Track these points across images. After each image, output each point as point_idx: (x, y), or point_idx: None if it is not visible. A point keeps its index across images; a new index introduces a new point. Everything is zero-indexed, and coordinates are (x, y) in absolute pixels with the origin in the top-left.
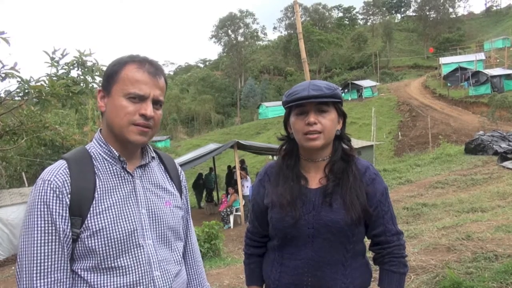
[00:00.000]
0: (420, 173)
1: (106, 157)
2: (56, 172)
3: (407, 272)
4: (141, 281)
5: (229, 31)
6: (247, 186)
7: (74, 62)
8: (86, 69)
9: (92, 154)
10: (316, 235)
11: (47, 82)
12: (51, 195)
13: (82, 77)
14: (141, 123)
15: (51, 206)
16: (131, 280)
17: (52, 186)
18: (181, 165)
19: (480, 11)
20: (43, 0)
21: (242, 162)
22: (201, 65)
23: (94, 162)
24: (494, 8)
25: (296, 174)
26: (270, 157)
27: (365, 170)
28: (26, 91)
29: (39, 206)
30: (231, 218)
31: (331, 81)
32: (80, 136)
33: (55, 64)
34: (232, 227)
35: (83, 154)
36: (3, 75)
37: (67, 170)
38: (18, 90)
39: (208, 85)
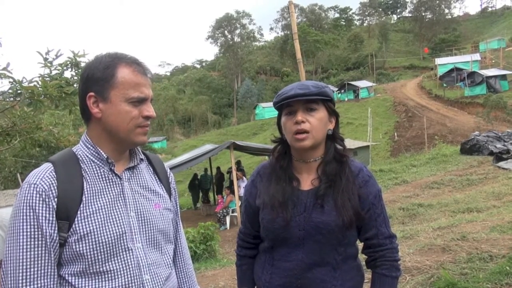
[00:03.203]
0: (416, 174)
1: (94, 159)
2: (42, 175)
3: (400, 275)
4: (130, 285)
5: (226, 31)
6: (244, 187)
7: (68, 63)
8: (79, 70)
9: (79, 156)
10: (307, 237)
11: (39, 82)
12: (37, 198)
13: (76, 78)
14: (145, 124)
15: (37, 210)
16: (120, 284)
17: (38, 189)
18: (177, 166)
19: (476, 12)
20: (38, 1)
21: (238, 163)
22: (198, 66)
23: (81, 164)
24: (490, 9)
25: (289, 175)
26: (267, 157)
27: (358, 172)
28: (18, 91)
29: (24, 210)
30: (228, 219)
31: (327, 82)
32: (76, 137)
33: (49, 64)
34: (228, 228)
35: (70, 156)
36: None
37: (54, 173)
38: (10, 90)
39: (205, 86)
